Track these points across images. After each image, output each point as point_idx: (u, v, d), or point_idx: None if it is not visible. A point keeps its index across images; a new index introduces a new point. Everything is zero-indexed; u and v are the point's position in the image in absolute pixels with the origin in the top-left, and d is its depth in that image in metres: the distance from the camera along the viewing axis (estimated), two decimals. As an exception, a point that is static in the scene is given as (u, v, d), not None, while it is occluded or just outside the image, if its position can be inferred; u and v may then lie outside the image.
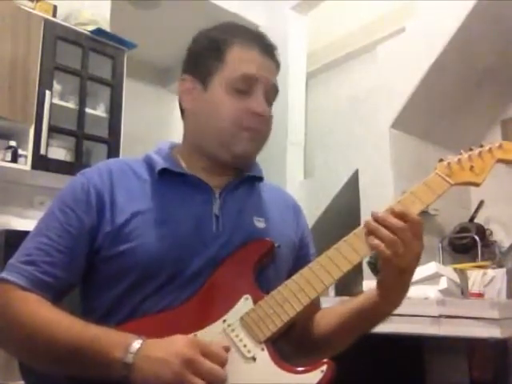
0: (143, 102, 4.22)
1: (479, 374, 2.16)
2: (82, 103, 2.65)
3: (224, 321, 0.84)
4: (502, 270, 2.15)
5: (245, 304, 0.85)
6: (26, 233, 0.92)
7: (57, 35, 2.56)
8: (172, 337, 0.77)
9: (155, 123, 4.34)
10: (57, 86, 2.59)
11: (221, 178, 0.98)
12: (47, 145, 2.46)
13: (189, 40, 1.02)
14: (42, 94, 2.45)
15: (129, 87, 2.86)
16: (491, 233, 3.01)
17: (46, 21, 2.53)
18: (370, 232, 0.83)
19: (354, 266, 0.84)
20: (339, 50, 3.87)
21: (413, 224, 0.82)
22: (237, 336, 0.82)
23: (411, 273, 0.87)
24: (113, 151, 2.71)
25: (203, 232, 0.92)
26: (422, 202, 0.88)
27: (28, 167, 2.40)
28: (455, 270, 2.00)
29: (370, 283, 1.75)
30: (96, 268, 0.90)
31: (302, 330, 0.98)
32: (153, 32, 3.92)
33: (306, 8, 3.85)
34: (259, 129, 0.95)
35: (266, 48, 0.97)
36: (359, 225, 0.86)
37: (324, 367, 0.78)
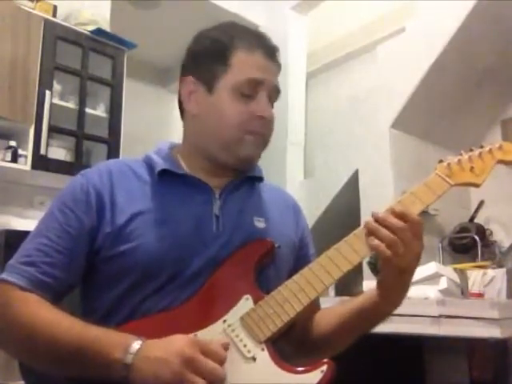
0: (143, 101, 4.22)
1: (479, 373, 2.16)
2: (82, 103, 2.64)
3: (224, 321, 0.84)
4: (502, 270, 2.15)
5: (245, 304, 0.85)
6: (26, 233, 0.92)
7: (57, 35, 2.56)
8: (171, 336, 0.77)
9: (155, 123, 4.34)
10: (57, 86, 2.59)
11: (221, 178, 0.98)
12: (47, 145, 2.46)
13: (189, 40, 1.02)
14: (42, 94, 2.45)
15: (129, 87, 2.86)
16: (491, 233, 3.00)
17: (46, 21, 2.53)
18: (371, 232, 0.83)
19: (354, 267, 0.84)
20: (339, 49, 3.87)
21: (413, 224, 0.82)
22: (237, 336, 0.82)
23: (411, 273, 0.87)
24: (113, 151, 2.71)
25: (203, 232, 0.92)
26: (422, 203, 0.88)
27: (28, 167, 2.40)
28: (455, 269, 2.00)
29: (370, 283, 1.75)
30: (96, 268, 0.90)
31: (302, 330, 0.98)
32: (153, 32, 3.92)
33: (306, 8, 3.85)
34: (263, 132, 0.96)
35: (270, 50, 0.97)
36: (359, 225, 0.86)
37: (324, 367, 0.78)
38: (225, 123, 0.93)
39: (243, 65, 0.93)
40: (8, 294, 0.84)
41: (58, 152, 2.56)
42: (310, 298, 0.83)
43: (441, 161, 0.95)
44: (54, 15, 2.61)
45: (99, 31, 2.69)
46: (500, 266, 2.56)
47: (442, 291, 1.79)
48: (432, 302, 1.64)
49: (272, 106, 0.98)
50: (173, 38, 3.26)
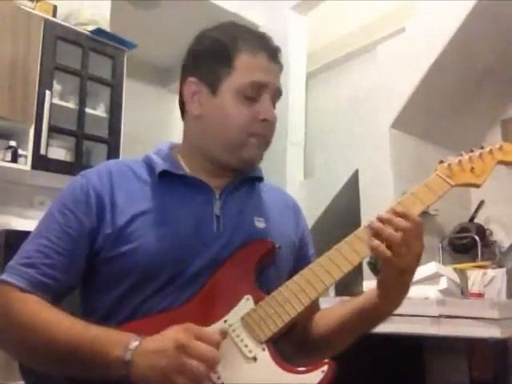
0: (143, 101, 4.22)
1: (479, 373, 2.16)
2: (82, 103, 2.64)
3: (225, 321, 0.84)
4: (502, 270, 2.15)
5: (246, 304, 0.85)
6: (25, 233, 0.92)
7: (57, 35, 2.56)
8: (167, 329, 0.76)
9: (155, 123, 4.34)
10: (57, 86, 2.59)
11: (221, 178, 0.98)
12: (47, 145, 2.45)
13: (189, 40, 1.01)
14: (42, 94, 2.45)
15: (129, 87, 2.86)
16: (491, 233, 3.01)
17: (46, 21, 2.53)
18: (375, 231, 0.83)
19: (355, 267, 0.84)
20: (339, 49, 3.87)
21: (414, 224, 0.82)
22: (238, 336, 0.82)
23: (411, 273, 0.87)
24: (113, 151, 2.71)
25: (204, 232, 0.92)
26: (423, 203, 0.88)
27: (28, 167, 2.40)
28: (455, 269, 2.00)
29: (370, 283, 1.75)
30: (96, 269, 0.90)
31: (302, 331, 0.98)
32: (153, 32, 3.92)
33: (306, 8, 3.85)
34: (266, 134, 0.96)
35: (273, 52, 0.97)
36: (359, 225, 0.87)
37: (325, 367, 0.79)
38: (229, 125, 0.93)
39: (247, 67, 0.93)
40: (8, 295, 0.84)
41: (58, 152, 2.56)
42: (311, 298, 0.83)
43: (441, 161, 0.95)
44: (54, 15, 2.61)
45: (99, 31, 2.69)
46: (500, 265, 2.57)
47: (442, 291, 1.79)
48: (432, 301, 1.64)
49: (274, 107, 0.98)
50: (173, 38, 3.27)
